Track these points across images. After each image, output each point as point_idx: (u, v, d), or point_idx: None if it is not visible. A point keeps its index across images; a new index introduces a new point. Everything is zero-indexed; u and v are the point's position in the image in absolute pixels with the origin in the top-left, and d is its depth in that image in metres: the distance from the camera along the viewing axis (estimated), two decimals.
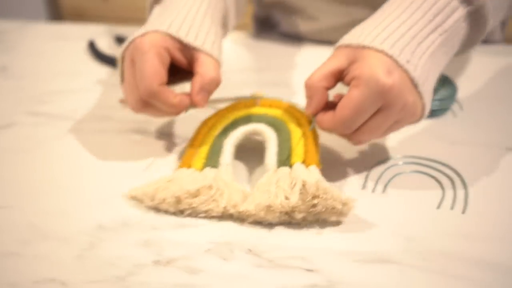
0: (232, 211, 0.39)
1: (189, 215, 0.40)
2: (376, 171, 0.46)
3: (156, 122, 0.53)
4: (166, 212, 0.41)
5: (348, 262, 0.37)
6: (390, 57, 0.40)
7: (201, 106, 0.45)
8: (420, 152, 0.48)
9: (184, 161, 0.44)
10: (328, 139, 0.48)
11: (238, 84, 0.60)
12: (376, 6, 0.64)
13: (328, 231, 0.39)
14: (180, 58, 0.45)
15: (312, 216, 0.39)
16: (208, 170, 0.42)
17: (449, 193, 0.43)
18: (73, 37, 0.72)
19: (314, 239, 0.39)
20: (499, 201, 0.42)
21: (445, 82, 0.55)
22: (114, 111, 0.55)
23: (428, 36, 0.42)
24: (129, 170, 0.46)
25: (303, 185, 0.38)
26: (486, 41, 0.69)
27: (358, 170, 0.46)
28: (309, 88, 0.43)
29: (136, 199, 0.42)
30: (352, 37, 0.43)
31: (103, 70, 0.64)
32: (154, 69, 0.42)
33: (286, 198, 0.38)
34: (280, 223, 0.39)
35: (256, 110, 0.48)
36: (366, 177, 0.45)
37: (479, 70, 0.62)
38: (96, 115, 0.54)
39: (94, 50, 0.67)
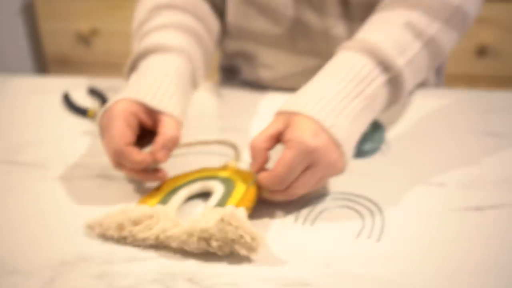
0: (161, 236, 0.45)
1: (131, 242, 0.47)
2: (308, 206, 0.52)
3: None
4: (112, 239, 0.47)
5: (273, 286, 0.43)
6: (317, 122, 0.48)
7: (163, 162, 0.51)
8: (349, 188, 0.55)
9: (143, 199, 0.51)
10: None
11: (198, 130, 0.67)
12: (326, 56, 0.73)
13: (259, 259, 0.45)
14: (146, 120, 0.53)
15: (227, 247, 0.44)
16: (157, 206, 0.49)
17: (369, 224, 0.50)
18: (51, 89, 0.79)
19: (246, 267, 0.45)
20: (412, 230, 0.49)
21: (375, 126, 0.62)
22: (83, 158, 0.62)
23: (352, 102, 0.50)
24: (91, 211, 0.52)
25: (222, 217, 0.44)
26: (420, 85, 0.77)
27: (292, 205, 0.52)
28: (253, 150, 0.50)
29: (90, 227, 0.48)
30: (288, 104, 0.51)
31: (76, 121, 0.71)
32: (120, 131, 0.50)
33: (206, 224, 0.44)
34: (204, 252, 0.45)
35: (216, 173, 0.54)
36: (299, 212, 0.52)
37: (408, 112, 0.70)
38: (66, 162, 0.61)
39: (68, 102, 0.74)
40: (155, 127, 0.53)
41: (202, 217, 0.46)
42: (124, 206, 0.49)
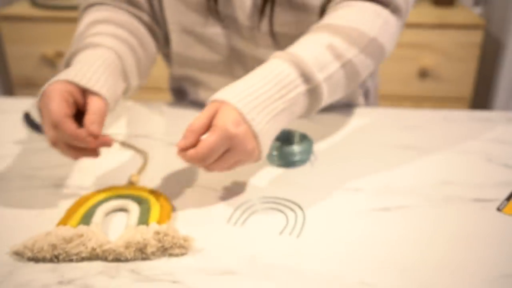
0: (98, 250, 0.51)
1: (63, 259, 0.51)
2: (240, 209, 0.60)
3: (73, 178, 0.66)
4: (44, 260, 0.51)
5: (204, 275, 0.50)
6: (241, 113, 0.55)
7: (97, 134, 0.56)
8: (277, 194, 0.63)
9: (61, 221, 0.56)
10: (207, 183, 0.63)
11: (146, 145, 0.74)
12: None
13: (192, 253, 0.53)
14: (79, 99, 0.59)
15: (161, 252, 0.52)
16: (81, 226, 0.54)
17: (291, 223, 0.58)
18: (13, 109, 0.85)
19: (181, 260, 0.52)
20: (328, 228, 0.57)
21: (304, 139, 0.71)
22: (39, 171, 0.68)
23: (274, 103, 0.58)
24: (46, 215, 0.58)
25: (157, 231, 0.52)
26: (349, 105, 0.87)
27: (226, 207, 0.60)
28: (189, 132, 0.56)
29: (18, 253, 0.52)
30: (220, 93, 0.58)
31: (36, 137, 0.77)
32: (57, 104, 0.55)
33: (143, 237, 0.52)
34: (134, 258, 0.52)
35: (126, 191, 0.61)
36: (232, 213, 0.59)
37: (335, 127, 0.79)
38: (23, 174, 0.67)
39: (28, 120, 0.80)
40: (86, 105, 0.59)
41: (135, 232, 0.53)
42: (47, 230, 0.54)
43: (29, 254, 0.52)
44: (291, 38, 0.71)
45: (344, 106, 0.86)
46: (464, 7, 1.80)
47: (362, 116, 0.83)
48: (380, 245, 0.54)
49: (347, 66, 0.63)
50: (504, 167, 0.69)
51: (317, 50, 0.62)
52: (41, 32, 1.73)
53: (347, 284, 0.49)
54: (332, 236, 0.56)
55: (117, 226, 0.57)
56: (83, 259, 0.52)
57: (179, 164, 0.68)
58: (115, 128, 0.80)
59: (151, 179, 0.66)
